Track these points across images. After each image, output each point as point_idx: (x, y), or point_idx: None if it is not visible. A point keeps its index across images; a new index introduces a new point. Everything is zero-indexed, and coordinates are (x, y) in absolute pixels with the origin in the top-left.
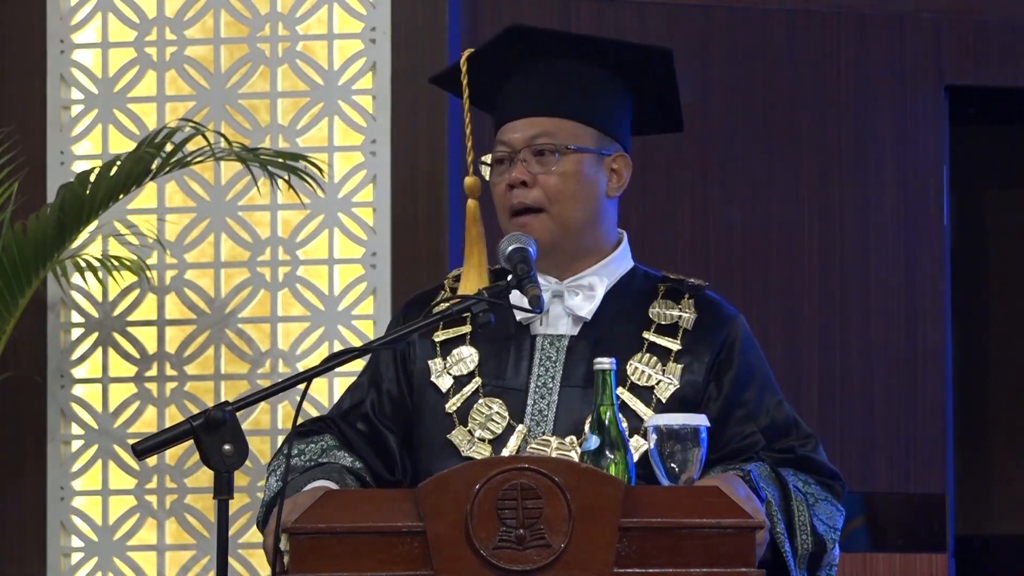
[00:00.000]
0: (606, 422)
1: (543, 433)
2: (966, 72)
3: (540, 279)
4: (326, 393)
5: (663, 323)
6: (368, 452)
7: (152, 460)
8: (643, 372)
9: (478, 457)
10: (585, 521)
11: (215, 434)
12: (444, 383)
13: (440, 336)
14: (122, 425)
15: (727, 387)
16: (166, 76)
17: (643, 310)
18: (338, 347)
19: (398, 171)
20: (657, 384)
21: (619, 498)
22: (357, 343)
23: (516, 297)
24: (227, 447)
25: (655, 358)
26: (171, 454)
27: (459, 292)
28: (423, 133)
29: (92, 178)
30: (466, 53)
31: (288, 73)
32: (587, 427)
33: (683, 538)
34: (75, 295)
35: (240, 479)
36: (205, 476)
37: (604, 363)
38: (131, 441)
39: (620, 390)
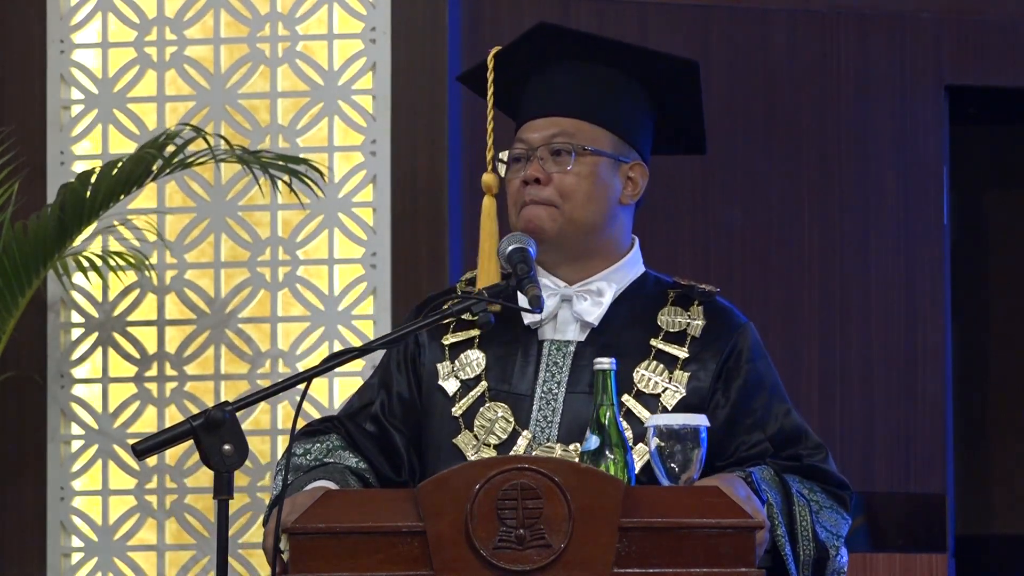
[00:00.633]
0: (606, 422)
1: (548, 439)
2: (966, 72)
3: (548, 281)
4: (326, 393)
5: (671, 330)
6: (375, 453)
7: (152, 460)
8: (649, 379)
9: None
10: (585, 521)
11: (215, 434)
12: (451, 386)
13: (449, 339)
14: (122, 425)
15: (735, 395)
16: (166, 76)
17: (652, 317)
18: (338, 347)
19: (398, 171)
20: (663, 392)
21: (619, 498)
22: (357, 343)
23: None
24: (227, 447)
25: (662, 365)
26: (171, 454)
27: (476, 288)
28: (423, 133)
29: (93, 179)
30: (493, 51)
31: (288, 73)
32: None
33: (683, 538)
34: (75, 295)
35: (240, 479)
36: (205, 476)
37: (604, 363)
38: (131, 441)
39: (626, 397)
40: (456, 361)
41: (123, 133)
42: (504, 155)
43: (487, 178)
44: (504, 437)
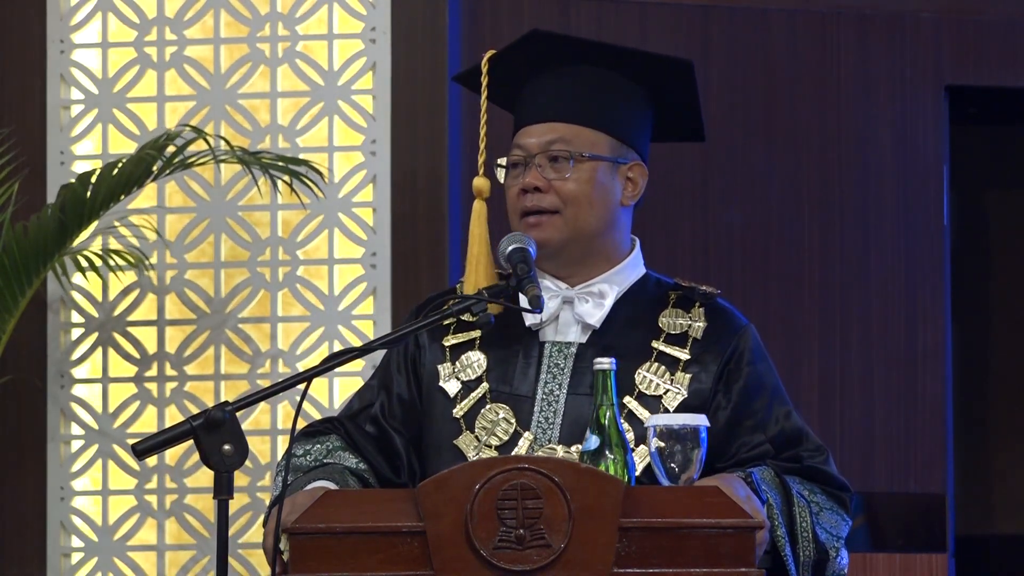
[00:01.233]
0: (605, 423)
1: (549, 440)
2: (966, 72)
3: (550, 283)
4: (326, 393)
5: (672, 332)
6: (374, 454)
7: (152, 460)
8: (651, 381)
9: None
10: (585, 521)
11: (215, 434)
12: (452, 388)
13: (450, 340)
14: (122, 425)
15: (736, 397)
16: (166, 76)
17: (653, 318)
18: (338, 347)
19: (398, 171)
20: (665, 394)
21: (619, 498)
22: (357, 343)
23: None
24: (227, 447)
25: (663, 367)
26: (171, 454)
27: (466, 289)
28: (423, 133)
29: (93, 179)
30: (488, 54)
31: (288, 73)
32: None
33: (683, 538)
34: (75, 295)
35: (240, 479)
36: (205, 476)
37: (604, 363)
38: (131, 441)
39: (627, 399)
40: (457, 362)
41: (123, 133)
42: (503, 160)
43: (478, 182)
44: (505, 439)
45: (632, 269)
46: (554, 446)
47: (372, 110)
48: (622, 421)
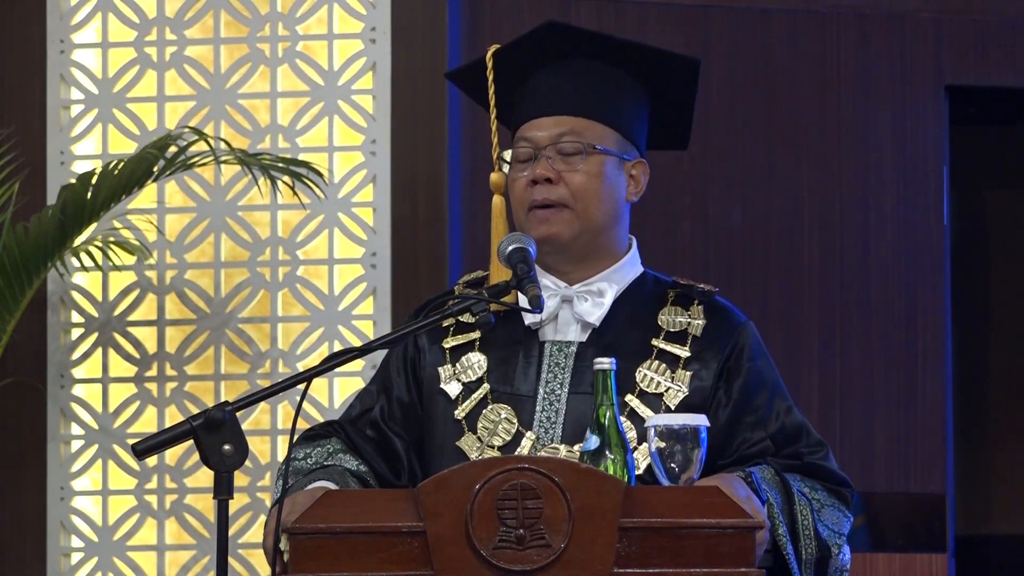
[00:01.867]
0: (606, 422)
1: (552, 440)
2: (966, 72)
3: (548, 282)
4: (326, 393)
5: (672, 330)
6: (375, 457)
7: (152, 460)
8: (652, 379)
9: None
10: (585, 521)
11: (215, 434)
12: (453, 389)
13: (450, 342)
14: (122, 425)
15: (736, 394)
16: (166, 76)
17: (652, 317)
18: (338, 347)
19: (398, 171)
20: (666, 391)
21: (619, 498)
22: (357, 343)
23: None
24: (227, 447)
25: (664, 365)
26: (171, 454)
27: (488, 286)
28: (423, 133)
29: (93, 179)
30: (492, 49)
31: (288, 73)
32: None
33: (683, 538)
34: (75, 295)
35: (240, 479)
36: (205, 476)
37: (604, 363)
38: (131, 441)
39: (629, 397)
40: (457, 364)
41: (123, 133)
42: (507, 154)
43: (495, 177)
44: (508, 439)
45: (630, 267)
46: (557, 446)
47: (372, 110)
48: (623, 420)
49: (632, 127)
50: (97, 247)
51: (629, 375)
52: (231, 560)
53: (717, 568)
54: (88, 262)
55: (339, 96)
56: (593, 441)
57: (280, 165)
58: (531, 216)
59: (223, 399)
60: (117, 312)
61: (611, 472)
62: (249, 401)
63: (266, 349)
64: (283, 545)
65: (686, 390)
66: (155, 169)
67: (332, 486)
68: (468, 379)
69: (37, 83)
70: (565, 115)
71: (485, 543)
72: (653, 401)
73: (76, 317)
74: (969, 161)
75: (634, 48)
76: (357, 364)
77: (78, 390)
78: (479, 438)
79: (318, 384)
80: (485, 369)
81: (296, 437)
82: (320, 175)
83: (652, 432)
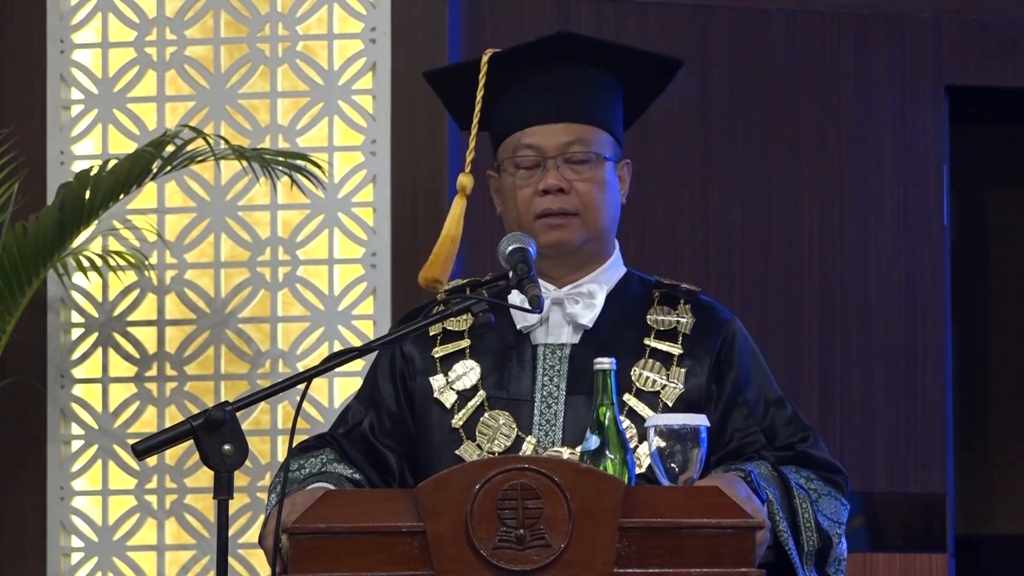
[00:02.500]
0: (605, 422)
1: (552, 443)
2: (966, 72)
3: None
4: (326, 393)
5: (662, 328)
6: (368, 468)
7: (152, 460)
8: (648, 377)
9: None
10: (585, 521)
11: (215, 434)
12: (448, 399)
13: (439, 352)
14: (122, 425)
15: (728, 387)
16: (166, 76)
17: (641, 316)
18: (338, 347)
19: (398, 171)
20: (663, 389)
21: (619, 498)
22: (357, 343)
23: (515, 297)
24: (227, 447)
25: (658, 363)
26: (171, 454)
27: (420, 276)
28: (423, 133)
29: (92, 178)
30: (489, 53)
31: (288, 73)
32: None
33: (683, 538)
34: (75, 295)
35: (240, 479)
36: (205, 476)
37: (604, 363)
38: (131, 441)
39: (627, 396)
40: (450, 372)
41: (123, 133)
42: (508, 163)
43: (463, 179)
44: (508, 444)
45: (616, 268)
46: (559, 448)
47: (372, 110)
48: (623, 420)
49: (618, 128)
50: (97, 254)
51: (625, 374)
52: (231, 560)
53: (717, 568)
54: (89, 268)
55: (339, 96)
56: (593, 441)
57: (280, 160)
58: (540, 224)
59: (223, 399)
60: (117, 312)
61: (611, 472)
62: (249, 401)
63: (266, 349)
64: (283, 545)
65: (682, 386)
66: (153, 167)
67: (331, 487)
68: (462, 387)
69: (37, 83)
70: (570, 122)
71: (485, 543)
72: (651, 399)
73: (76, 317)
74: (969, 161)
75: (633, 53)
76: (357, 364)
77: (78, 390)
78: (478, 445)
79: (318, 384)
80: (479, 376)
81: (289, 450)
82: (319, 168)
83: (652, 432)
